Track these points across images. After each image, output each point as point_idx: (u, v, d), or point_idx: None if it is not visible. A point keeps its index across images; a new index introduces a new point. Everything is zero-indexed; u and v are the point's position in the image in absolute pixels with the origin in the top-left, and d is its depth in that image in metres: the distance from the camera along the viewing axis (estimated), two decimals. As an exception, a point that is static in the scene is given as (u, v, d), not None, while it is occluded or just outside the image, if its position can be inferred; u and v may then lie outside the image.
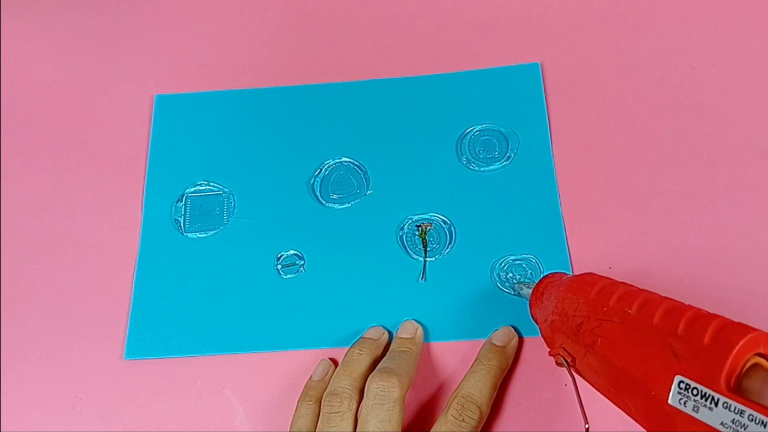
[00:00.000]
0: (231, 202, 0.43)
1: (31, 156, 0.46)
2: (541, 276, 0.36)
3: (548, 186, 0.41)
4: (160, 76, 0.48)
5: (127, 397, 0.39)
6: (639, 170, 0.41)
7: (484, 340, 0.38)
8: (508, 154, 0.43)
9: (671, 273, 0.39)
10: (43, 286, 0.42)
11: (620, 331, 0.27)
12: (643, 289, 0.28)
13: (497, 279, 0.39)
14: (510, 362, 0.37)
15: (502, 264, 0.40)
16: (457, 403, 0.33)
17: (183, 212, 0.43)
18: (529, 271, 0.39)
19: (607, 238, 0.40)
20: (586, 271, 0.33)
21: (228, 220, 0.43)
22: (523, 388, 0.37)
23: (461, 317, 0.39)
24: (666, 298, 0.27)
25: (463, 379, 0.35)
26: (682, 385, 0.24)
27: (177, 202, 0.43)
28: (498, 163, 0.42)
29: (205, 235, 0.42)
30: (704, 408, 0.23)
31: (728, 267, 0.39)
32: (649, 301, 0.27)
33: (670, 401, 0.24)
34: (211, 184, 0.44)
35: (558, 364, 0.31)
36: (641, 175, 0.41)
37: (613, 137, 0.43)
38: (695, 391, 0.23)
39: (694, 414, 0.23)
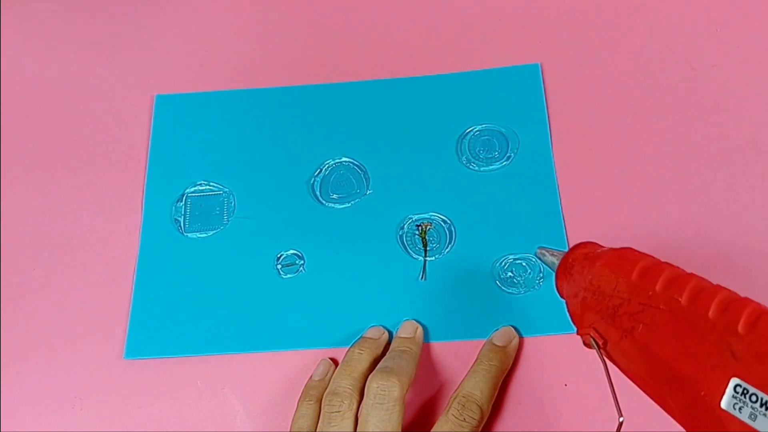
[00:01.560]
0: (231, 202, 0.43)
1: (31, 156, 0.46)
2: (569, 247, 0.33)
3: (548, 186, 0.41)
4: (160, 76, 0.48)
5: (127, 397, 0.39)
6: (639, 170, 0.41)
7: (484, 340, 0.38)
8: (508, 154, 0.43)
9: (671, 273, 0.39)
10: (43, 286, 0.42)
11: (668, 321, 0.25)
12: (692, 274, 0.26)
13: (497, 278, 0.39)
14: (511, 362, 0.37)
15: (502, 263, 0.40)
16: (458, 403, 0.33)
17: (183, 212, 0.43)
18: (529, 270, 0.39)
19: (607, 237, 0.40)
20: (624, 246, 0.30)
21: (228, 220, 0.43)
22: (523, 388, 0.37)
23: (461, 317, 0.39)
24: (719, 287, 0.25)
25: (463, 379, 0.35)
26: (739, 389, 0.22)
27: (177, 202, 0.43)
28: (498, 163, 0.42)
29: (205, 235, 0.42)
30: (764, 417, 0.21)
31: (728, 267, 0.38)
32: (703, 290, 0.24)
33: (722, 405, 0.22)
34: (211, 184, 0.44)
35: (586, 345, 0.29)
36: (641, 175, 0.41)
37: (613, 137, 0.43)
38: (754, 398, 0.21)
39: (750, 422, 0.21)
